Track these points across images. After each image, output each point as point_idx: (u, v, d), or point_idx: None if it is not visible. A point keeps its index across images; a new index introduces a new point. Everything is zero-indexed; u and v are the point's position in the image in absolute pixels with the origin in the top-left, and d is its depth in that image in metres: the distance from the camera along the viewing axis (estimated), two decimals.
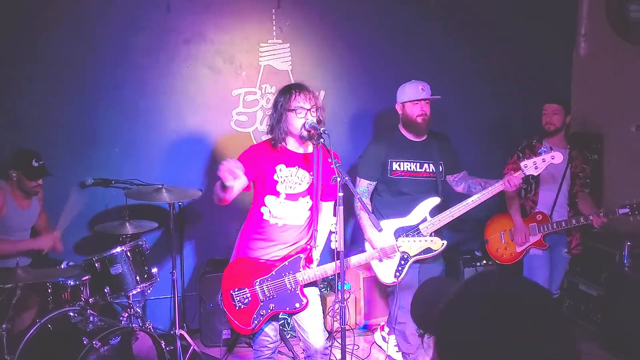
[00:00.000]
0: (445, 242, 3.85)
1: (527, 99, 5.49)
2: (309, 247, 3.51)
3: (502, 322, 1.11)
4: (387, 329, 4.68)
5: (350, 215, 4.24)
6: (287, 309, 3.43)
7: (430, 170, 4.10)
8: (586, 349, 4.78)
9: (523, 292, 1.18)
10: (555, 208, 4.46)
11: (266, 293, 3.40)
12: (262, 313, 3.40)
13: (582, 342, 4.88)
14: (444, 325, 1.19)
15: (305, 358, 3.65)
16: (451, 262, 5.61)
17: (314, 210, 3.47)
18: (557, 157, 3.85)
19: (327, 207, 3.62)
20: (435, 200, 3.95)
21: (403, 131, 4.14)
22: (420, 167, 4.10)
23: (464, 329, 1.14)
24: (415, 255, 3.81)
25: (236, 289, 3.41)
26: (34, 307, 3.93)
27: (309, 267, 3.46)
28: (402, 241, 3.71)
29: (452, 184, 4.25)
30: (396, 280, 3.90)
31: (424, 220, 3.90)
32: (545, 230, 4.37)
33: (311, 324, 3.49)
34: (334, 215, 3.64)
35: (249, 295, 3.40)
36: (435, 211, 3.93)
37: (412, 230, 3.88)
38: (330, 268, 3.40)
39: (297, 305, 3.42)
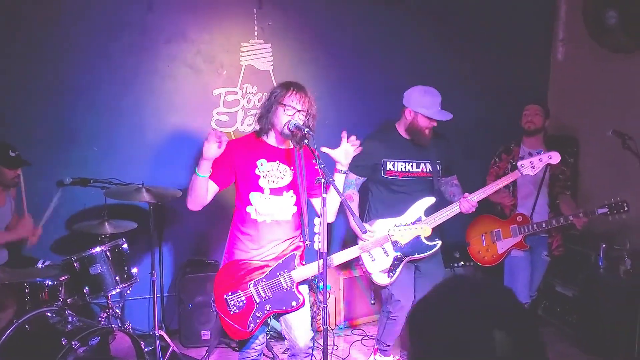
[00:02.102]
0: (439, 242, 3.92)
1: (505, 102, 5.55)
2: (301, 244, 3.47)
3: (474, 327, 1.15)
4: (380, 355, 4.47)
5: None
6: (284, 308, 3.38)
7: (427, 170, 4.04)
8: (559, 349, 4.86)
9: (494, 298, 1.22)
10: (535, 210, 4.52)
11: (262, 294, 3.35)
12: (258, 315, 3.34)
13: (557, 342, 4.97)
14: (418, 328, 1.22)
15: (289, 357, 3.64)
16: None
17: (302, 207, 3.44)
18: (555, 157, 3.84)
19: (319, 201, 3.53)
20: (430, 200, 3.91)
21: (402, 132, 4.04)
22: (417, 167, 4.02)
23: (436, 333, 1.18)
24: (411, 255, 3.88)
25: (230, 293, 3.34)
26: (11, 307, 3.84)
27: (303, 265, 3.43)
28: (394, 231, 3.68)
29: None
30: (390, 281, 3.91)
31: (419, 219, 3.87)
32: (525, 232, 4.42)
33: (299, 321, 3.46)
34: (319, 215, 3.65)
35: (243, 298, 3.34)
36: (431, 210, 3.90)
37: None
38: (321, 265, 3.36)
39: (294, 303, 3.38)
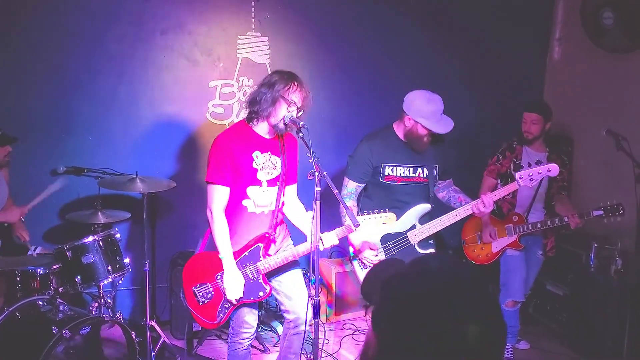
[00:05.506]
0: (432, 250, 3.89)
1: (501, 101, 5.57)
2: (267, 235, 3.48)
3: (434, 302, 1.13)
4: None
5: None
6: (252, 298, 3.44)
7: (424, 175, 3.85)
8: (548, 347, 4.89)
9: (459, 274, 1.21)
10: (531, 210, 4.53)
11: None
12: (226, 305, 3.41)
13: (545, 340, 4.99)
14: (383, 297, 1.20)
15: (292, 328, 3.61)
16: None
17: (279, 195, 3.51)
18: (554, 170, 3.78)
19: (292, 191, 3.65)
20: (425, 207, 3.80)
21: (400, 135, 3.82)
22: (414, 172, 3.83)
23: (399, 304, 1.16)
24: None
25: (198, 285, 3.42)
26: (2, 295, 3.84)
27: (269, 256, 3.45)
28: (361, 220, 3.33)
29: (436, 187, 4.04)
30: None
31: (413, 227, 3.78)
32: (520, 231, 4.42)
33: (298, 292, 3.56)
34: (309, 207, 3.66)
35: (211, 289, 3.40)
36: (425, 218, 3.81)
37: (400, 238, 3.76)
38: (303, 248, 3.40)
39: (261, 293, 3.44)
